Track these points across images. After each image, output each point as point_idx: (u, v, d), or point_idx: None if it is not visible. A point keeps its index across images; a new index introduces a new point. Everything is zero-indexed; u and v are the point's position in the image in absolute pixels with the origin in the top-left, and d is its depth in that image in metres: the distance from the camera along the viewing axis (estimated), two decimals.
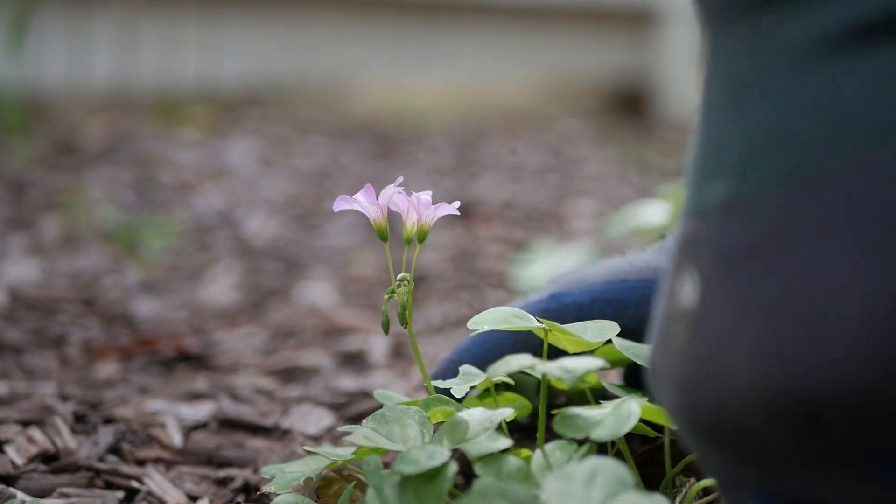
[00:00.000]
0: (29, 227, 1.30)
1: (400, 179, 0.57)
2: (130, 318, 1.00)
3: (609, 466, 0.45)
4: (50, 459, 0.66)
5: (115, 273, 1.13)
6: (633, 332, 0.55)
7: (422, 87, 2.82)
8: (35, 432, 0.68)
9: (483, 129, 2.35)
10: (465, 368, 0.56)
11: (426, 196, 0.56)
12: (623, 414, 0.49)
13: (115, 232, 1.25)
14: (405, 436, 0.54)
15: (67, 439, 0.67)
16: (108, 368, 0.86)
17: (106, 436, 0.68)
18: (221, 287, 1.12)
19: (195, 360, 0.90)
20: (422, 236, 0.56)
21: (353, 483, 0.57)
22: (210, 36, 2.24)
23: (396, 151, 1.99)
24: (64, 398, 0.76)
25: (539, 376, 0.54)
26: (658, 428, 0.53)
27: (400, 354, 0.92)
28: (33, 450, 0.66)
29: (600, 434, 0.49)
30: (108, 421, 0.72)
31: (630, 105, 2.89)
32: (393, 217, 0.60)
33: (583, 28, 2.78)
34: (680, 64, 2.85)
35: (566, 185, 1.73)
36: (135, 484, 0.63)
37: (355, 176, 1.74)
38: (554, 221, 1.47)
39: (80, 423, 0.72)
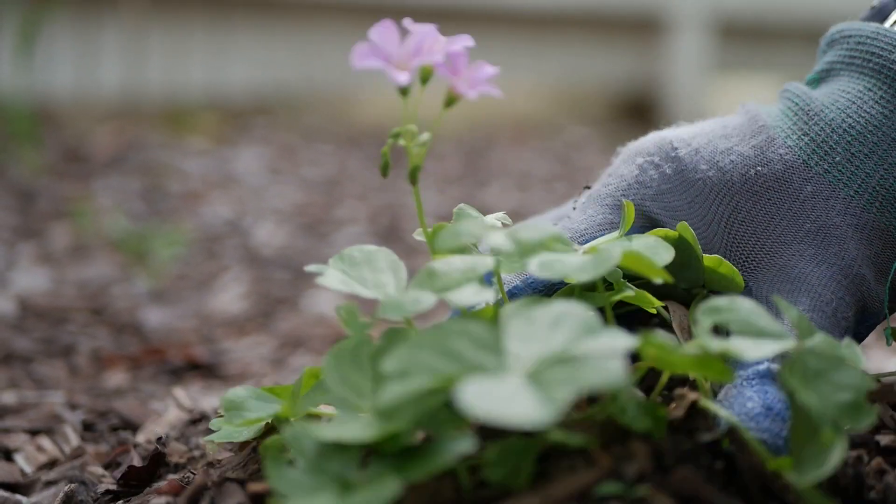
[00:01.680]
0: (38, 236, 1.31)
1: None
2: (139, 327, 1.00)
3: (576, 312, 0.41)
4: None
5: (123, 282, 1.14)
6: None
7: (428, 93, 2.81)
8: (44, 441, 0.68)
9: (491, 137, 2.35)
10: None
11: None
12: (602, 257, 0.45)
13: (124, 241, 1.25)
14: (378, 281, 0.48)
15: (76, 448, 0.67)
16: (116, 377, 0.86)
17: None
18: (230, 296, 1.12)
19: (204, 369, 0.90)
20: (450, 101, 0.50)
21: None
22: (217, 44, 2.25)
23: (403, 160, 1.99)
24: (73, 407, 0.76)
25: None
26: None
27: None
28: (42, 458, 0.66)
29: (579, 276, 0.44)
30: (116, 429, 0.72)
31: (638, 112, 2.89)
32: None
33: (590, 35, 2.78)
34: (687, 71, 2.85)
35: (574, 193, 1.72)
36: None
37: (362, 184, 1.74)
38: None
39: (88, 431, 0.72)
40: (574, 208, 0.57)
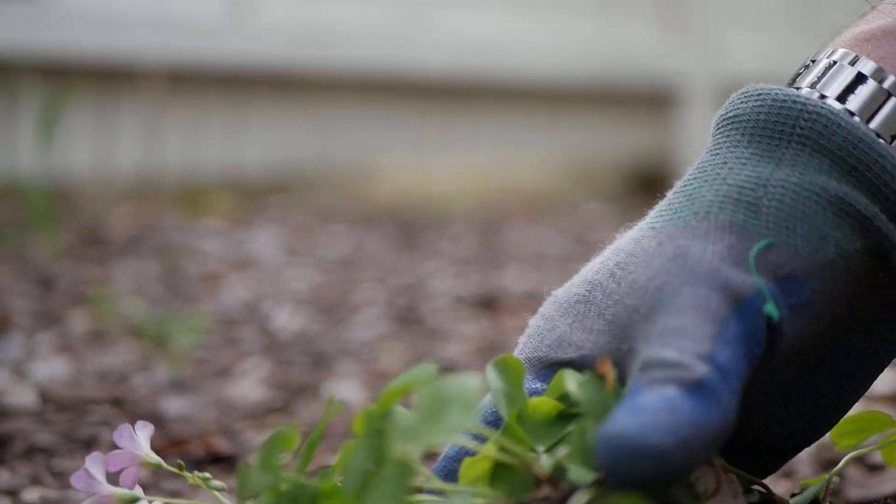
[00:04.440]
0: (57, 323, 1.31)
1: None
2: (160, 417, 1.00)
3: None
4: None
5: (144, 370, 1.14)
6: None
7: (444, 170, 2.84)
8: None
9: (505, 214, 2.37)
10: None
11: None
12: None
13: (144, 327, 1.26)
14: None
15: None
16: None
17: None
18: (250, 383, 1.12)
19: (226, 461, 0.90)
20: None
21: None
22: (234, 123, 2.27)
23: (419, 239, 1.99)
24: None
25: None
26: None
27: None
28: None
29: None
30: None
31: (651, 186, 2.90)
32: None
33: (603, 110, 2.80)
34: (700, 144, 2.86)
35: None
36: None
37: (379, 264, 1.74)
38: None
39: None
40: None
